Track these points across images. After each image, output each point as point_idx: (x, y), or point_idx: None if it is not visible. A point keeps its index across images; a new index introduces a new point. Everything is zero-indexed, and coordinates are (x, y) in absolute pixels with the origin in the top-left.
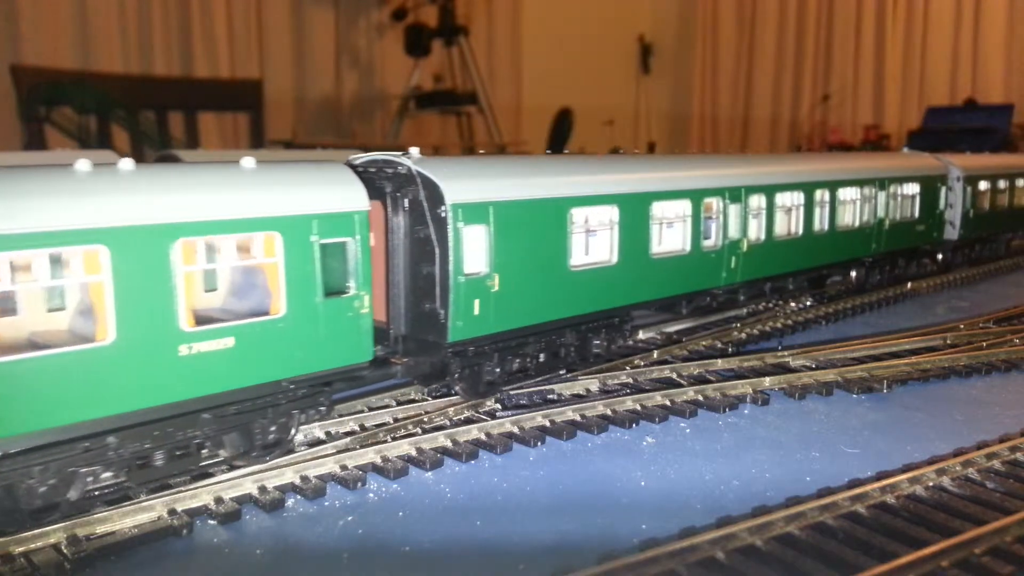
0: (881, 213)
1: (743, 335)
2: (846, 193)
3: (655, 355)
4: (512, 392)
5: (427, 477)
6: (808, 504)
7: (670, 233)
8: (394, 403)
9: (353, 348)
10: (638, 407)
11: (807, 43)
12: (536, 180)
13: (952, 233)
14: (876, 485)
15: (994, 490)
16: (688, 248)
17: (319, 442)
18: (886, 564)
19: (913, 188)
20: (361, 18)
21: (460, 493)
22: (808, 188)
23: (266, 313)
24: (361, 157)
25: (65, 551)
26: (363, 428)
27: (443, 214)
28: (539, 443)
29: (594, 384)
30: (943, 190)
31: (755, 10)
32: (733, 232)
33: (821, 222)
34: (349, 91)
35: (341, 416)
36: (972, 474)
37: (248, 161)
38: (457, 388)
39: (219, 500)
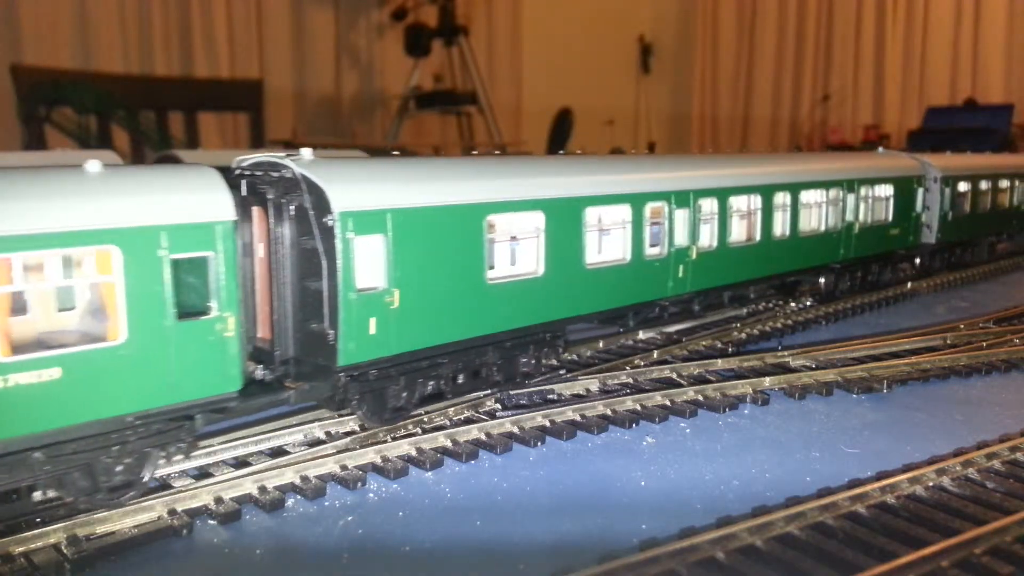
0: (850, 217)
1: (743, 335)
2: (810, 196)
3: (655, 355)
4: (512, 392)
5: (427, 477)
6: (808, 504)
7: (608, 241)
8: None
9: (216, 376)
10: (638, 407)
11: (807, 43)
12: (447, 184)
13: (929, 237)
14: (876, 485)
15: (994, 490)
16: (628, 257)
17: (319, 442)
18: (886, 564)
19: (886, 190)
20: (361, 18)
21: (460, 493)
22: (767, 191)
23: (102, 339)
24: (249, 158)
25: (65, 551)
26: (363, 428)
27: (330, 223)
28: (539, 443)
29: (594, 384)
30: (919, 192)
31: (755, 10)
32: (681, 239)
33: (782, 227)
34: (349, 91)
35: (341, 416)
36: (972, 474)
37: (93, 165)
38: (359, 415)
39: (219, 500)
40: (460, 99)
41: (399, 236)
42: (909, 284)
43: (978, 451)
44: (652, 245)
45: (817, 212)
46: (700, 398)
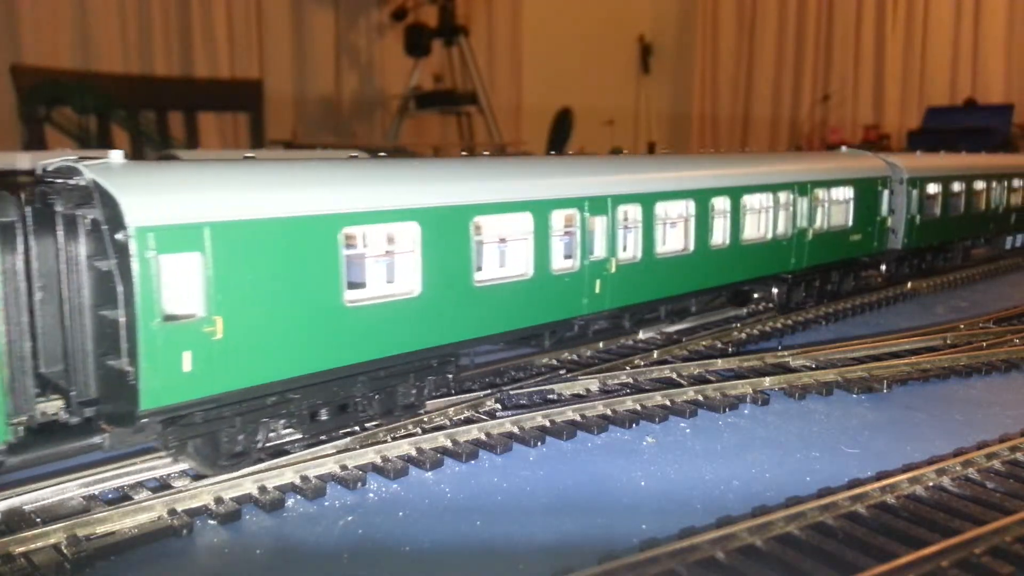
0: (803, 222)
1: (743, 335)
2: (754, 200)
3: (655, 355)
4: (512, 392)
5: (427, 477)
6: (808, 504)
7: (505, 255)
8: None
9: None
10: (638, 407)
11: (807, 43)
12: (292, 193)
13: (896, 242)
14: (876, 485)
15: (994, 490)
16: (531, 272)
17: (319, 442)
18: (886, 564)
19: (845, 192)
20: (361, 18)
21: (460, 493)
22: (702, 196)
23: None
24: (53, 162)
25: (65, 551)
26: (363, 428)
27: (124, 240)
28: (539, 443)
29: (594, 384)
30: (884, 194)
31: (755, 10)
32: (597, 250)
33: (722, 235)
34: (349, 91)
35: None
36: (972, 474)
37: None
38: (187, 463)
39: (219, 500)
40: (460, 99)
41: (223, 254)
42: (911, 285)
43: (978, 451)
44: (565, 257)
45: (763, 218)
46: (700, 398)
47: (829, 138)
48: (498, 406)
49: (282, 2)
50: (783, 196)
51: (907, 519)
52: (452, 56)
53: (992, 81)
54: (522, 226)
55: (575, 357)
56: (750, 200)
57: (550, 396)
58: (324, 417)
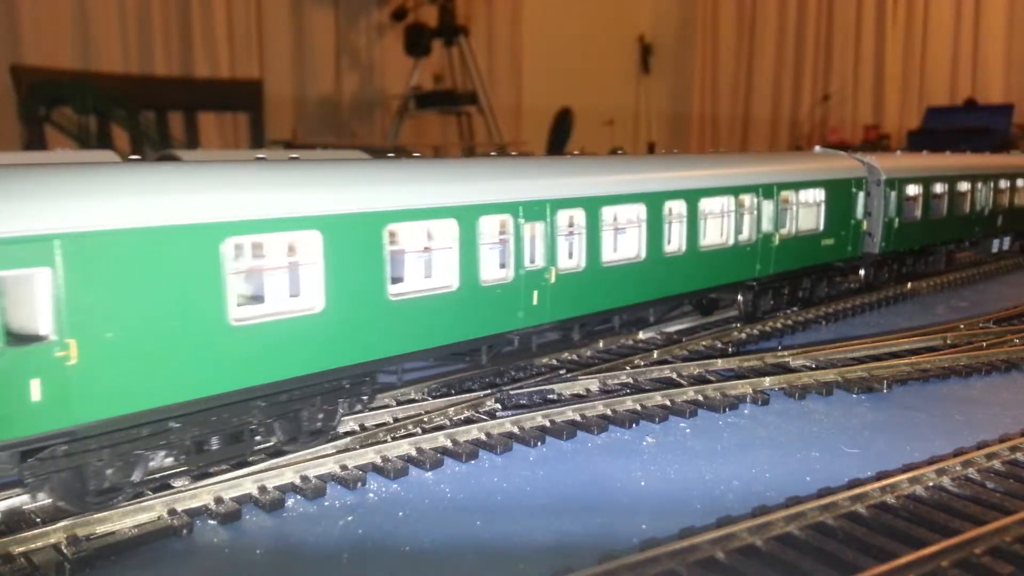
0: (768, 227)
1: (743, 335)
2: (712, 204)
3: (655, 355)
4: (512, 392)
5: (427, 477)
6: (808, 504)
7: (426, 266)
8: (394, 403)
9: None
10: (638, 407)
11: (807, 43)
12: (164, 198)
13: (873, 246)
14: (876, 485)
15: (994, 490)
16: (457, 284)
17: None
18: (886, 564)
19: (816, 195)
20: (361, 18)
21: (460, 493)
22: (654, 199)
23: None
24: None
25: (65, 551)
26: (363, 428)
27: None
28: (539, 443)
29: (594, 384)
30: (860, 196)
31: (755, 10)
32: (535, 260)
33: (678, 241)
34: (349, 91)
35: (341, 416)
36: (972, 474)
37: None
38: (51, 499)
39: (219, 500)
40: (460, 99)
41: (79, 269)
42: (911, 285)
43: (978, 451)
44: (499, 267)
45: (724, 223)
46: (700, 398)
47: (829, 138)
48: (498, 406)
49: (282, 2)
50: (746, 199)
51: (907, 519)
52: (452, 56)
53: (992, 81)
54: (446, 234)
55: (575, 357)
56: (709, 204)
57: (550, 396)
58: (214, 447)
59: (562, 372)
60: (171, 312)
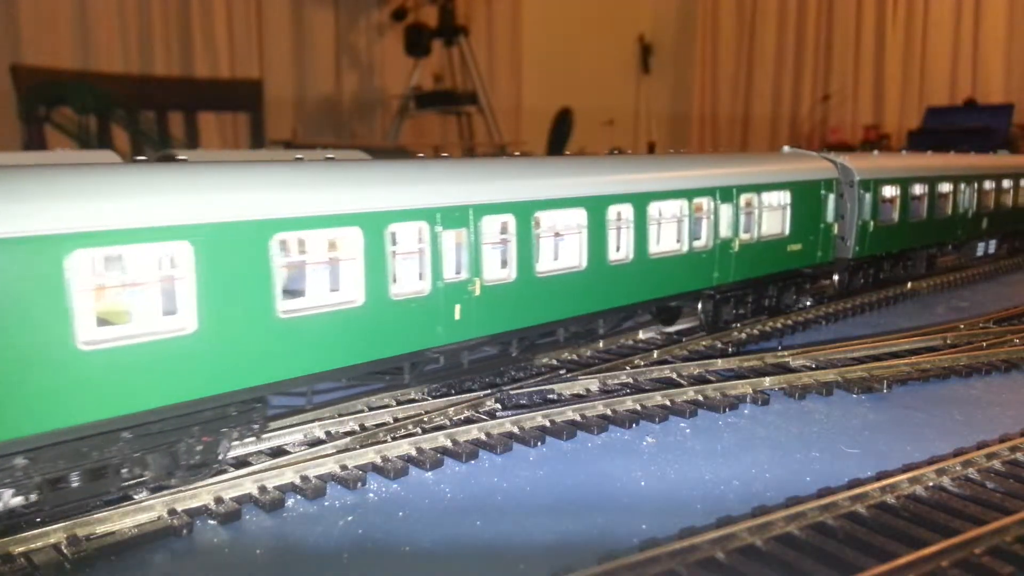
0: (727, 232)
1: (743, 335)
2: (664, 208)
3: (655, 355)
4: (512, 392)
5: (427, 477)
6: (808, 504)
7: (325, 279)
8: (394, 403)
9: None
10: (638, 407)
11: (807, 43)
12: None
13: (846, 251)
14: (876, 485)
15: (994, 490)
16: (362, 299)
17: (319, 442)
18: (886, 564)
19: (781, 197)
20: (361, 18)
21: (460, 493)
22: (596, 204)
23: None
24: None
25: (65, 551)
26: (363, 428)
27: None
28: (539, 443)
29: (594, 384)
30: (830, 199)
31: (755, 10)
32: (457, 271)
33: (625, 248)
34: (349, 91)
35: (341, 416)
36: (972, 474)
37: None
38: None
39: (219, 500)
40: (460, 99)
41: None
42: (911, 285)
43: (978, 451)
44: (417, 279)
45: (675, 228)
46: (700, 398)
47: (829, 138)
48: (498, 406)
49: (282, 2)
50: (702, 203)
51: (907, 519)
52: (452, 56)
53: (992, 81)
54: (350, 244)
55: (575, 357)
56: (659, 208)
57: (550, 396)
58: (74, 484)
59: (562, 372)
60: (9, 334)
